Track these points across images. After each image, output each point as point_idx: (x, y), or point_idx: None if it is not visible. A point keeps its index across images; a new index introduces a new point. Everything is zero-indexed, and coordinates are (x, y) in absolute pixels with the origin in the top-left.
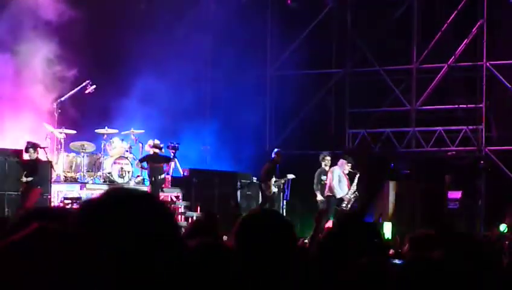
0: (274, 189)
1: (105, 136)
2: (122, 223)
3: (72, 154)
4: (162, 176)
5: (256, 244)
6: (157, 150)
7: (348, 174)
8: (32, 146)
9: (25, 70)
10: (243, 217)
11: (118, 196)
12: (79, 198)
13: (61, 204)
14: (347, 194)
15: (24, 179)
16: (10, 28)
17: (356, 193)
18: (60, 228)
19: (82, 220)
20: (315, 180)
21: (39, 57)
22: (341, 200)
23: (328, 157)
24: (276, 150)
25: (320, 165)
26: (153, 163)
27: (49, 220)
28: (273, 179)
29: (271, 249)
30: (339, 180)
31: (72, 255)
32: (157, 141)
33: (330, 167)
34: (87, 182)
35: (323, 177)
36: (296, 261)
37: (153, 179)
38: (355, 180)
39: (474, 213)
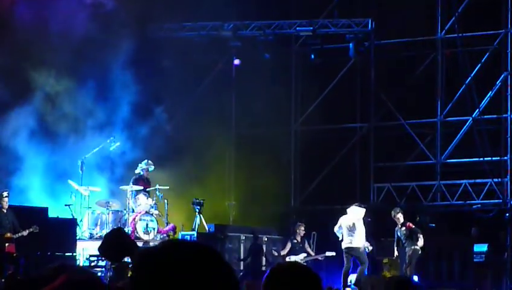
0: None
1: (130, 192)
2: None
3: (97, 212)
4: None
5: None
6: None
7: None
8: None
9: None
10: (270, 269)
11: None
12: None
13: (87, 261)
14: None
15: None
16: None
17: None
18: (87, 279)
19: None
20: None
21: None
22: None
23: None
24: None
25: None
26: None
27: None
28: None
29: None
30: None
31: None
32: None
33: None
34: None
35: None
36: None
37: None
38: None
39: (500, 266)
